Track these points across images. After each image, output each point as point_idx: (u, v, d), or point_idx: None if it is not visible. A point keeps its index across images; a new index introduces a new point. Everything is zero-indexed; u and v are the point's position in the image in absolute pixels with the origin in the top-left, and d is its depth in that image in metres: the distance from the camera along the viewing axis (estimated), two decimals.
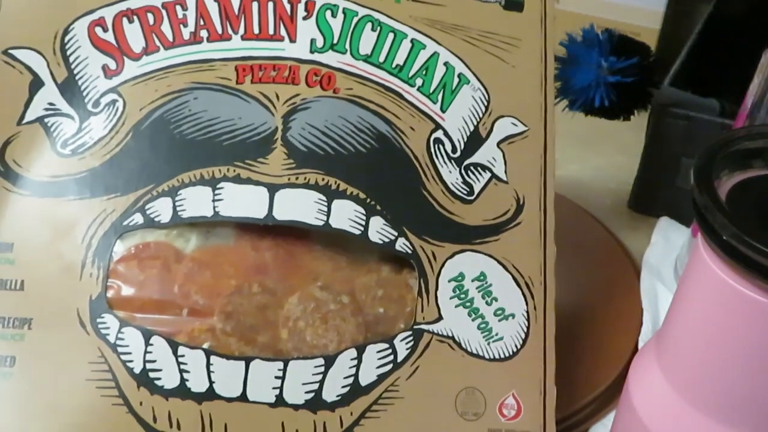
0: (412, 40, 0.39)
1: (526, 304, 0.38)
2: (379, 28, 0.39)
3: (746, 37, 0.57)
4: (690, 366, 0.32)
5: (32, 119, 0.39)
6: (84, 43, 0.40)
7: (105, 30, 0.39)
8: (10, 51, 0.39)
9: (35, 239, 0.38)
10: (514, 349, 0.37)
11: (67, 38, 0.40)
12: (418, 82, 0.39)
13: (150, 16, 0.39)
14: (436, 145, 0.38)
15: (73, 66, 0.39)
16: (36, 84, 0.39)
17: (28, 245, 0.38)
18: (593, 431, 0.45)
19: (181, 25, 0.39)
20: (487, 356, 0.37)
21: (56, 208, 0.38)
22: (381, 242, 0.37)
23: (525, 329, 0.38)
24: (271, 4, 0.38)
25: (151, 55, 0.39)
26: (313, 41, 0.39)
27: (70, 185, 0.38)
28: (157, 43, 0.39)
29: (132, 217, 0.38)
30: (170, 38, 0.39)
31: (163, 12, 0.39)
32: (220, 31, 0.39)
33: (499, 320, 0.37)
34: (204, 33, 0.39)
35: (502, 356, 0.37)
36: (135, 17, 0.39)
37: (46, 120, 0.39)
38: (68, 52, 0.40)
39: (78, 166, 0.39)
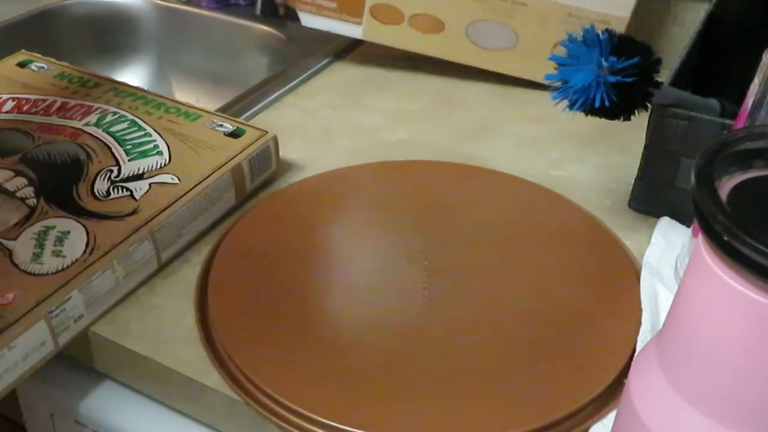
0: (145, 133, 0.66)
1: (84, 253, 0.53)
2: (129, 122, 0.67)
3: (746, 37, 0.57)
4: (690, 366, 0.32)
5: None
6: None
7: None
8: None
9: None
10: (46, 272, 0.52)
11: None
12: (128, 147, 0.64)
13: None
14: (108, 172, 0.61)
15: None
16: None
17: None
18: (593, 431, 0.45)
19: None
20: (24, 269, 0.52)
21: None
22: (17, 194, 0.58)
23: (67, 265, 0.52)
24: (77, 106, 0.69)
25: None
26: (88, 122, 0.67)
27: None
28: None
29: None
30: None
31: None
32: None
33: (53, 255, 0.53)
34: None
35: (35, 273, 0.52)
36: None
37: None
38: None
39: None
